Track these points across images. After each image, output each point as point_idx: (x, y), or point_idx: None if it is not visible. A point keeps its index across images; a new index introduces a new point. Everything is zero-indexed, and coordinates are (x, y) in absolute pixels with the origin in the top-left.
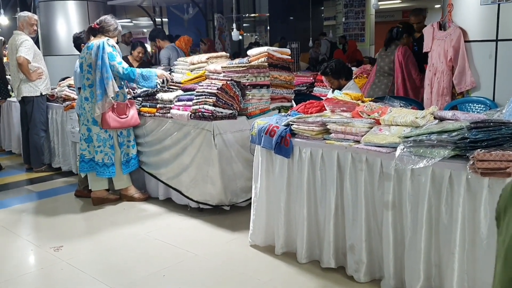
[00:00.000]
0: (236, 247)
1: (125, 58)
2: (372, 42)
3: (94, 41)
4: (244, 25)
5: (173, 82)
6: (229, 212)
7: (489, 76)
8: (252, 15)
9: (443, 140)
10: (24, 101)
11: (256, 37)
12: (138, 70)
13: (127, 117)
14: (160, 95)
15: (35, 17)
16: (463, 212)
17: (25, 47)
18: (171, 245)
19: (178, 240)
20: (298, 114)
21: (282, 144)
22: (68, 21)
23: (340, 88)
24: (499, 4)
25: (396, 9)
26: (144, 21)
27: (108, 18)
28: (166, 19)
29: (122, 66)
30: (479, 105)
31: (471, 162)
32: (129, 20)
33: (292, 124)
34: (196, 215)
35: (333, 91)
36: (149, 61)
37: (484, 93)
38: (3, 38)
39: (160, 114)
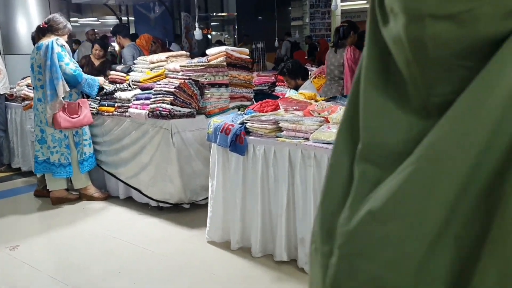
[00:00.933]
0: (194, 244)
1: (88, 57)
2: None
3: (43, 41)
4: (212, 24)
5: (132, 81)
6: (188, 210)
7: None
8: (220, 14)
9: None
10: None
11: (226, 36)
12: (85, 76)
13: (79, 116)
14: (118, 94)
15: None
16: None
17: None
18: (129, 243)
19: (137, 238)
20: (253, 112)
21: (237, 142)
22: (29, 19)
23: (297, 87)
24: None
25: (363, 10)
26: (111, 20)
27: (56, 16)
28: (133, 18)
29: (69, 67)
30: None
31: None
32: (95, 18)
33: (246, 122)
34: (156, 214)
35: (290, 91)
36: (113, 61)
37: None
38: None
39: (118, 113)
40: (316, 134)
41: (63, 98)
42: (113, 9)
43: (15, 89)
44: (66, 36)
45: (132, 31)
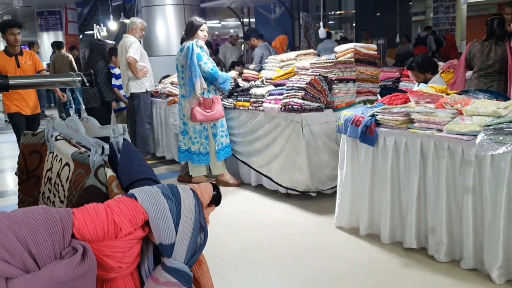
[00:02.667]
0: (323, 228)
1: (237, 62)
2: (463, 37)
3: (186, 43)
4: (329, 22)
5: (264, 78)
6: (315, 198)
7: None
8: (338, 12)
9: None
10: (132, 97)
11: (341, 34)
12: (220, 73)
13: (212, 111)
14: (253, 90)
15: (145, 23)
16: None
17: (134, 48)
18: (264, 224)
19: (270, 220)
20: (382, 105)
21: (367, 133)
22: (166, 24)
23: (426, 81)
24: None
25: (490, 2)
26: (232, 22)
27: (190, 20)
28: (254, 19)
29: (207, 66)
30: None
31: None
32: (217, 21)
33: (377, 115)
34: (285, 200)
35: (419, 85)
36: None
37: None
38: (114, 42)
39: (253, 108)
40: (450, 126)
41: (200, 94)
42: (236, 11)
43: (159, 87)
44: (201, 35)
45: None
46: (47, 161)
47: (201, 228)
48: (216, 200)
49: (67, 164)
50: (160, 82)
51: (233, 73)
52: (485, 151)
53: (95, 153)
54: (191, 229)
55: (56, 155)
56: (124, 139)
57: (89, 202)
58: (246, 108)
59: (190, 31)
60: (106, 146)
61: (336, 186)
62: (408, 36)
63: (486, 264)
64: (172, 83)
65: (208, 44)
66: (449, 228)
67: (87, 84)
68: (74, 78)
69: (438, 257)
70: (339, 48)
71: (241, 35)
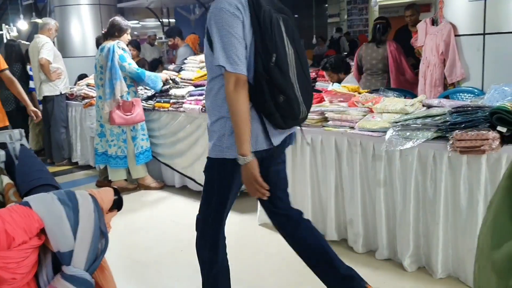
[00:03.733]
0: (246, 227)
1: (157, 61)
2: None
3: (106, 44)
4: None
5: (183, 79)
6: (238, 198)
7: (477, 67)
8: None
9: (427, 124)
10: (45, 100)
11: None
12: (148, 73)
13: (132, 114)
14: (173, 91)
15: (57, 23)
16: (445, 186)
17: (46, 49)
18: (187, 226)
19: (193, 221)
20: None
21: None
22: (82, 24)
23: (340, 81)
24: (485, 0)
25: (401, 5)
26: (151, 22)
27: (116, 20)
28: (173, 20)
29: (133, 66)
30: (469, 95)
31: (451, 142)
32: (136, 21)
33: None
34: None
35: (332, 85)
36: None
37: (473, 83)
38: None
39: (173, 109)
40: (362, 123)
41: (121, 97)
42: (155, 12)
43: (74, 89)
44: (125, 37)
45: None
46: None
47: (102, 233)
48: (117, 204)
49: None
50: (75, 83)
51: (163, 75)
52: (394, 147)
53: None
54: (90, 235)
55: None
56: (21, 144)
57: None
58: (166, 109)
59: (114, 32)
60: (2, 153)
61: None
62: (324, 38)
63: (399, 253)
64: (88, 85)
65: (136, 44)
66: (365, 220)
67: None
68: None
69: (356, 248)
70: None
71: (160, 35)
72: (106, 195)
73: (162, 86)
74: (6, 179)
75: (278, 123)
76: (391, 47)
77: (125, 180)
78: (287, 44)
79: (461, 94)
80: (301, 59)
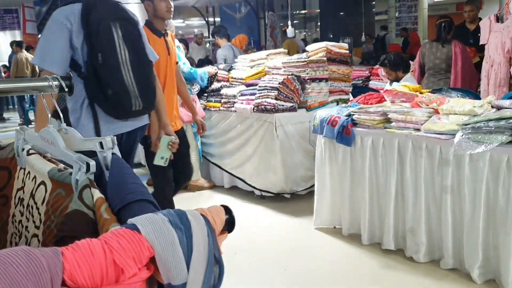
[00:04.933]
0: (300, 230)
1: (204, 60)
2: (425, 37)
3: None
4: (294, 22)
5: (234, 78)
6: (289, 200)
7: None
8: (302, 11)
9: (500, 126)
10: None
11: (304, 33)
12: (199, 71)
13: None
14: (224, 91)
15: None
16: None
17: None
18: (239, 227)
19: (246, 224)
20: (358, 105)
21: (344, 133)
22: None
23: (397, 80)
24: None
25: (450, 2)
26: (196, 21)
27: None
28: (219, 19)
29: (186, 66)
30: None
31: None
32: (182, 20)
33: (353, 114)
34: (259, 202)
35: (390, 84)
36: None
37: None
38: None
39: (224, 108)
40: (428, 125)
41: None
42: (200, 10)
43: None
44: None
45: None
46: (17, 179)
47: (216, 261)
48: (229, 225)
49: (42, 183)
50: None
51: (210, 70)
52: (463, 150)
53: (78, 170)
54: (204, 264)
55: (29, 172)
56: (113, 153)
57: (74, 230)
58: (217, 108)
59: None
60: (92, 163)
61: (310, 187)
62: (372, 35)
63: (466, 263)
64: None
65: (185, 43)
66: (428, 228)
67: (66, 90)
68: (51, 83)
69: (417, 257)
70: (311, 47)
71: (206, 34)
72: (218, 215)
73: (211, 84)
74: (96, 193)
75: (111, 113)
76: (456, 47)
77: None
78: (118, 45)
79: None
80: (139, 58)
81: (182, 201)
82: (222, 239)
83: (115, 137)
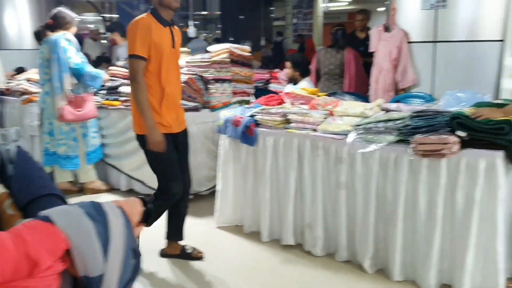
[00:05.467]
0: (202, 230)
1: (102, 58)
2: (320, 43)
3: (51, 36)
4: (194, 22)
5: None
6: (192, 201)
7: (428, 74)
8: (203, 12)
9: (388, 127)
10: None
11: (205, 34)
12: (88, 69)
13: (84, 110)
14: (123, 89)
15: None
16: (405, 189)
17: None
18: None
19: (145, 228)
20: (260, 106)
21: (247, 133)
22: (17, 15)
23: (295, 81)
24: (436, 9)
25: (343, 11)
26: (91, 17)
27: (61, 11)
28: (117, 15)
29: (72, 61)
30: (419, 100)
31: (413, 145)
32: (76, 15)
33: (256, 115)
34: None
35: (288, 82)
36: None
37: (423, 89)
38: None
39: (124, 107)
40: (324, 126)
41: (69, 90)
42: (96, 5)
43: (12, 83)
44: (73, 29)
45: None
46: None
47: (133, 253)
48: (146, 217)
49: None
50: (12, 77)
51: (105, 75)
52: (356, 149)
53: None
54: (121, 255)
55: None
56: (17, 146)
57: None
58: (116, 107)
59: (59, 24)
60: None
61: (213, 187)
62: (270, 40)
63: (359, 255)
64: (28, 80)
65: (78, 38)
66: (325, 223)
67: None
68: None
69: (315, 252)
70: (213, 48)
71: (102, 30)
72: (134, 207)
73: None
74: (0, 188)
75: None
76: (350, 54)
77: (70, 182)
78: None
79: (412, 99)
80: None
81: None
82: (138, 231)
83: (19, 130)
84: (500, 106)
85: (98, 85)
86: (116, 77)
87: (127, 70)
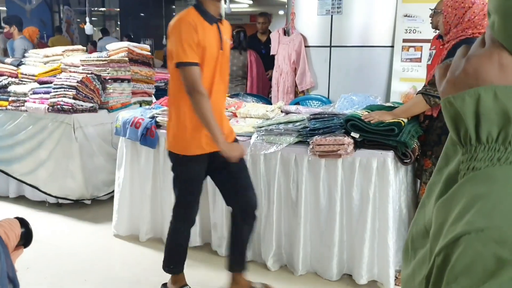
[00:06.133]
0: (100, 238)
1: None
2: None
3: None
4: (92, 19)
5: (25, 74)
6: (90, 206)
7: (324, 77)
8: (102, 9)
9: (289, 129)
10: None
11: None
12: None
13: None
14: (13, 88)
15: None
16: (306, 188)
17: None
18: (33, 240)
19: (40, 234)
20: (161, 107)
21: (148, 135)
22: None
23: None
24: (332, 15)
25: (245, 13)
26: None
27: None
28: (4, 8)
29: None
30: (317, 102)
31: (311, 147)
32: None
33: (157, 116)
34: (55, 211)
35: None
36: None
37: (321, 92)
38: None
39: (13, 108)
40: None
41: None
42: None
43: None
44: None
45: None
46: None
47: (9, 280)
48: (25, 239)
49: None
50: None
51: None
52: (258, 150)
53: None
54: None
55: None
56: None
57: None
58: (4, 107)
59: None
60: None
61: (112, 192)
62: None
63: (263, 254)
64: None
65: None
66: (229, 222)
67: None
68: None
69: (220, 252)
70: (111, 46)
71: None
72: (12, 229)
73: None
74: None
75: None
76: (252, 56)
77: None
78: None
79: (310, 101)
80: None
81: None
82: (17, 255)
83: None
84: (390, 109)
85: None
86: (3, 75)
87: (15, 68)
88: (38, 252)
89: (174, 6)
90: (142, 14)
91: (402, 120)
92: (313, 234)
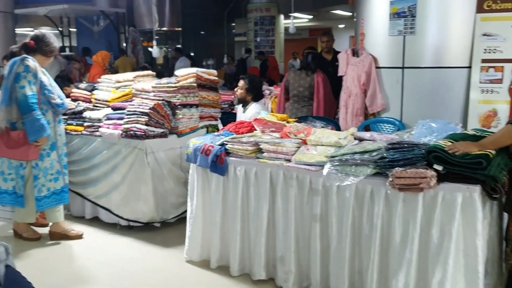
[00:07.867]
0: (172, 263)
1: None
2: (281, 59)
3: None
4: (155, 37)
5: (98, 100)
6: (159, 229)
7: (397, 99)
8: (164, 28)
9: (365, 159)
10: None
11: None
12: (38, 112)
13: (20, 148)
14: (88, 113)
15: None
16: (381, 223)
17: None
18: (105, 264)
19: (111, 258)
20: (230, 134)
21: (218, 163)
22: None
23: (244, 102)
24: (404, 36)
25: (304, 28)
26: (49, 31)
27: (47, 35)
28: (75, 29)
29: (23, 91)
30: (389, 125)
31: (390, 179)
32: (31, 28)
33: (226, 144)
34: (126, 233)
35: (244, 109)
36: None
37: (392, 114)
38: None
39: (88, 133)
40: (298, 156)
41: (4, 122)
42: (54, 20)
43: None
44: (51, 60)
45: (74, 44)
46: None
47: None
48: None
49: None
50: None
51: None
52: (332, 182)
53: None
54: None
55: None
56: (6, 266)
57: None
58: (79, 133)
59: (40, 49)
60: None
61: (181, 214)
62: (233, 57)
63: None
64: None
65: None
66: (298, 256)
67: None
68: None
69: (286, 286)
70: (180, 72)
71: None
72: None
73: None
74: None
75: None
76: (319, 77)
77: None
78: None
79: (381, 124)
80: None
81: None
82: None
83: (9, 246)
84: (474, 138)
85: (33, 140)
86: (77, 100)
87: (89, 93)
88: (111, 276)
89: (233, 24)
90: (203, 33)
91: (490, 152)
92: (386, 272)
